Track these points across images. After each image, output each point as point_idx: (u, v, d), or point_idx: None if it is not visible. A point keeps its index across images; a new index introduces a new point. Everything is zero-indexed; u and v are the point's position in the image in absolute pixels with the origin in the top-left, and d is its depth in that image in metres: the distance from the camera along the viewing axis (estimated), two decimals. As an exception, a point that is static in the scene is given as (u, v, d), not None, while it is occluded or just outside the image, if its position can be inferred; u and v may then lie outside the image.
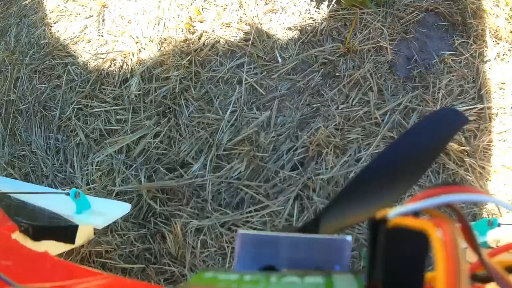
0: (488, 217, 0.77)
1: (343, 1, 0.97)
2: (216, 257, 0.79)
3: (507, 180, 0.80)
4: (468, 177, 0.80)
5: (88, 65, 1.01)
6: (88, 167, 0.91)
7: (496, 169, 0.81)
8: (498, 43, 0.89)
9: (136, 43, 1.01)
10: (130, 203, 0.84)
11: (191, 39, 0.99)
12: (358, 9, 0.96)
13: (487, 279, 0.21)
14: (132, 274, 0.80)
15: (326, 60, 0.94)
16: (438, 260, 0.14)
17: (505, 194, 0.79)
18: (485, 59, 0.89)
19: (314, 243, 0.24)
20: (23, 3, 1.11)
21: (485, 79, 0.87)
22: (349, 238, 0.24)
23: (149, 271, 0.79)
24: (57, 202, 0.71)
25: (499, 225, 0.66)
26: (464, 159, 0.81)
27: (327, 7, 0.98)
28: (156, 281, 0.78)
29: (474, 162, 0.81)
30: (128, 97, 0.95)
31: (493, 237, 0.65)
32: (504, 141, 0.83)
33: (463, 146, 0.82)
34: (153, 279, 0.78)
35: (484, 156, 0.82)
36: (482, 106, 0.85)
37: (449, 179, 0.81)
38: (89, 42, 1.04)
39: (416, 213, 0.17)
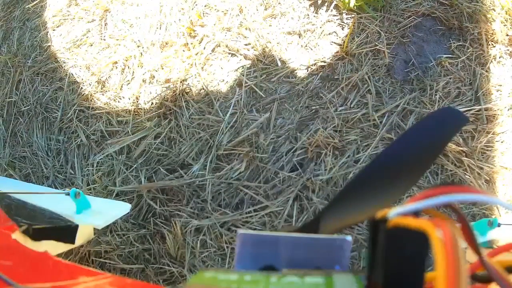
0: (488, 217, 0.77)
1: (341, 6, 0.99)
2: (216, 257, 0.79)
3: (505, 181, 0.80)
4: (466, 177, 0.81)
5: (90, 68, 1.02)
6: (88, 167, 0.91)
7: (494, 169, 0.81)
8: (495, 46, 0.91)
9: (138, 46, 1.02)
10: (130, 204, 0.84)
11: (192, 43, 1.00)
12: (355, 13, 0.98)
13: (487, 279, 0.21)
14: (131, 274, 0.79)
15: (325, 63, 0.95)
16: (438, 260, 0.14)
17: (504, 194, 0.79)
18: (482, 61, 0.90)
19: (314, 243, 0.24)
20: (26, 7, 1.13)
21: (482, 81, 0.89)
22: (349, 238, 0.24)
23: (148, 272, 0.79)
24: (57, 202, 0.71)
25: (499, 225, 0.66)
26: (463, 160, 0.82)
27: (325, 12, 1.00)
28: (155, 282, 0.78)
29: (473, 163, 0.81)
30: (129, 99, 0.96)
31: (493, 237, 0.65)
32: (502, 142, 0.84)
33: (461, 147, 0.82)
34: (152, 280, 0.78)
35: (482, 157, 0.82)
36: (479, 107, 0.86)
37: (447, 180, 0.82)
38: (91, 45, 1.05)
39: (416, 213, 0.17)
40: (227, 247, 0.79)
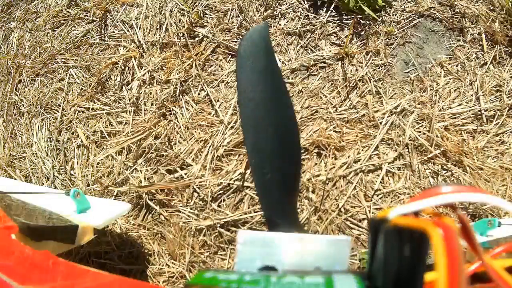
0: (488, 217, 0.77)
1: (341, 7, 0.99)
2: (216, 257, 0.79)
3: (505, 181, 0.80)
4: (466, 177, 0.81)
5: (90, 69, 1.02)
6: (88, 168, 0.91)
7: (494, 170, 0.81)
8: (494, 46, 0.91)
9: (138, 47, 1.02)
10: (130, 204, 0.84)
11: (192, 44, 1.00)
12: (355, 14, 0.98)
13: (487, 279, 0.21)
14: (131, 275, 0.79)
15: (325, 64, 0.95)
16: (438, 260, 0.14)
17: (504, 194, 0.79)
18: (482, 62, 0.90)
19: (314, 243, 0.24)
20: (26, 7, 1.13)
21: (481, 81, 0.89)
22: (349, 238, 0.25)
23: (148, 272, 0.79)
24: (57, 202, 0.71)
25: (499, 225, 0.66)
26: (463, 160, 0.82)
27: (325, 13, 1.00)
28: (155, 282, 0.77)
29: (472, 163, 0.81)
30: (129, 99, 0.96)
31: (493, 237, 0.65)
32: (501, 142, 0.84)
33: (461, 147, 0.82)
34: (152, 280, 0.78)
35: (482, 157, 0.82)
36: (479, 108, 0.86)
37: (447, 180, 0.82)
38: (91, 46, 1.05)
39: (416, 213, 0.17)
40: (227, 247, 0.79)
